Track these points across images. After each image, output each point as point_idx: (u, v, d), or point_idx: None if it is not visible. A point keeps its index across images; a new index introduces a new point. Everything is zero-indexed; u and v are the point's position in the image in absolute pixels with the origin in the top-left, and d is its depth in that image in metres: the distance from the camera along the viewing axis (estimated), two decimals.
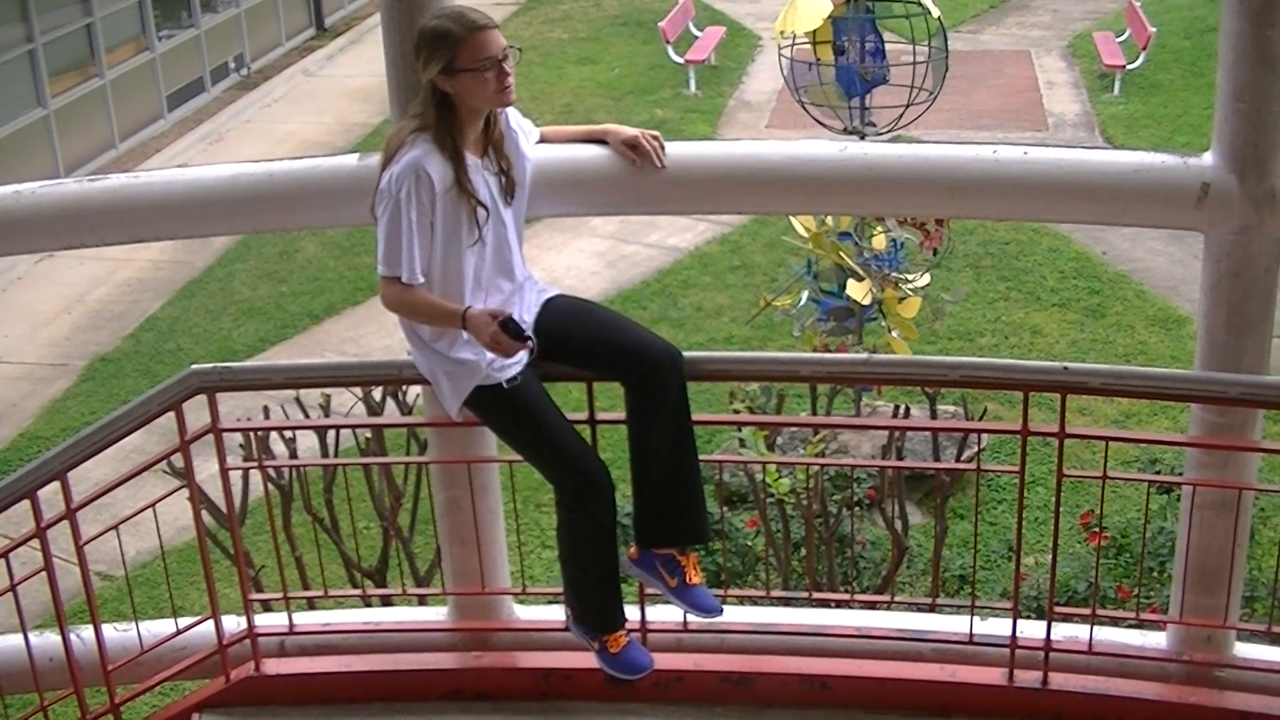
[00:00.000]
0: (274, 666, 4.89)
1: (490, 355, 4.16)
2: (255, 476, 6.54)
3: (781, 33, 10.38)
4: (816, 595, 6.31)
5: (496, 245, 4.22)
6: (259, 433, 6.33)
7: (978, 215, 7.13)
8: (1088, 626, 4.69)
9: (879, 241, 10.28)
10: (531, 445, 4.35)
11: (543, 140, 4.46)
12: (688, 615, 4.61)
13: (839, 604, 5.81)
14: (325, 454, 7.34)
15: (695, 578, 4.43)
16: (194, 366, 4.52)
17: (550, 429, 4.26)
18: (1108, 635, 4.80)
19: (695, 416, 4.34)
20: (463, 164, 4.10)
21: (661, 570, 4.42)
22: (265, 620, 5.02)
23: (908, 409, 8.96)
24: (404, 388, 7.15)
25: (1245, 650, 4.72)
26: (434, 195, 4.04)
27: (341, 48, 23.43)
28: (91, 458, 4.49)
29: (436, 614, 5.15)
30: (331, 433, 7.40)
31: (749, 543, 8.41)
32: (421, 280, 4.09)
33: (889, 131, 10.59)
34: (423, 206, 4.03)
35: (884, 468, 7.83)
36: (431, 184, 4.04)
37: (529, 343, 4.05)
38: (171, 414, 4.49)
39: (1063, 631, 4.71)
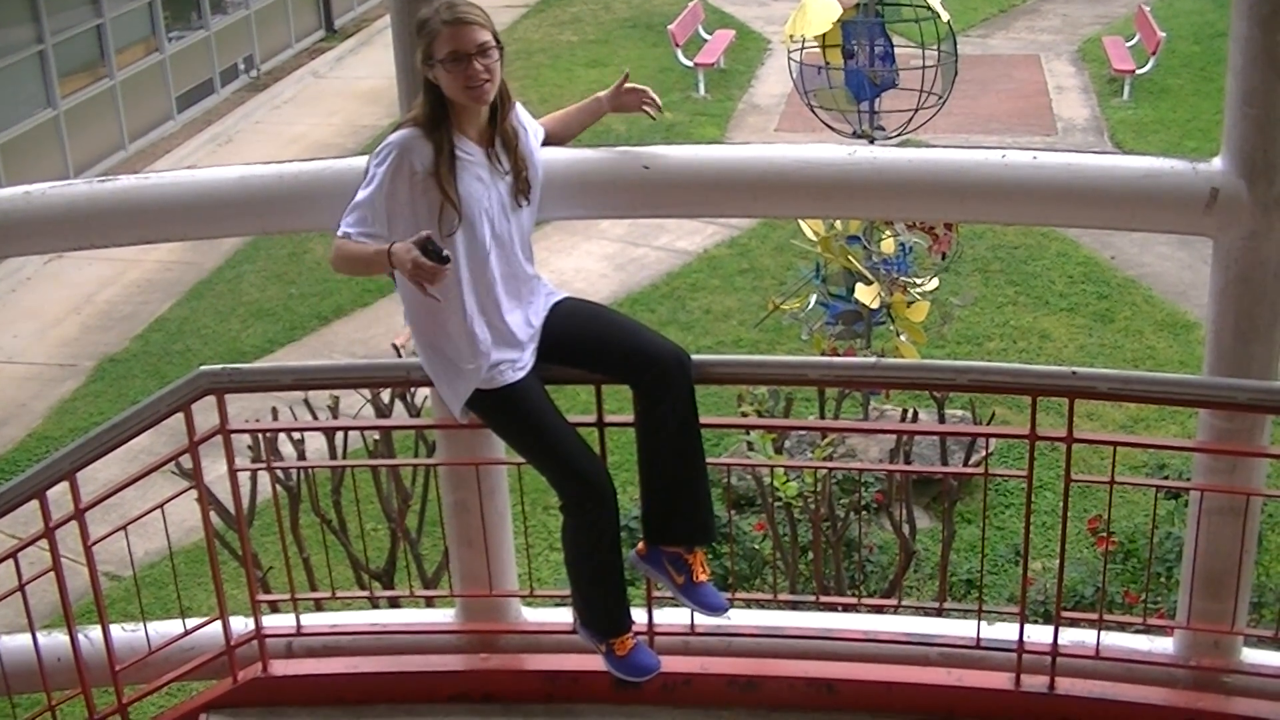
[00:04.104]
0: (281, 667, 4.90)
1: (489, 359, 4.16)
2: (264, 478, 6.56)
3: (791, 36, 10.38)
4: (824, 599, 6.32)
5: (502, 245, 4.19)
6: (267, 434, 6.32)
7: (986, 219, 7.12)
8: (1095, 631, 4.69)
9: (887, 245, 10.28)
10: (533, 450, 4.34)
11: (547, 133, 4.42)
12: (694, 614, 4.61)
13: (846, 608, 5.81)
14: (333, 455, 7.36)
15: (702, 575, 4.43)
16: (203, 368, 4.53)
17: (552, 434, 4.25)
18: (1115, 640, 4.79)
19: (703, 420, 4.33)
20: (450, 155, 4.07)
21: (669, 567, 4.42)
22: (273, 621, 5.03)
23: (916, 413, 8.96)
24: (412, 389, 7.15)
25: (1252, 656, 4.72)
26: (412, 179, 4.02)
27: (351, 49, 23.47)
28: (100, 458, 4.50)
29: (444, 616, 5.15)
30: (340, 434, 7.42)
31: (756, 546, 8.41)
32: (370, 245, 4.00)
33: (898, 135, 10.58)
34: (395, 188, 4.01)
35: (892, 472, 7.85)
36: (411, 167, 4.02)
37: (448, 263, 3.88)
38: (180, 415, 4.51)
39: (1070, 636, 4.70)
